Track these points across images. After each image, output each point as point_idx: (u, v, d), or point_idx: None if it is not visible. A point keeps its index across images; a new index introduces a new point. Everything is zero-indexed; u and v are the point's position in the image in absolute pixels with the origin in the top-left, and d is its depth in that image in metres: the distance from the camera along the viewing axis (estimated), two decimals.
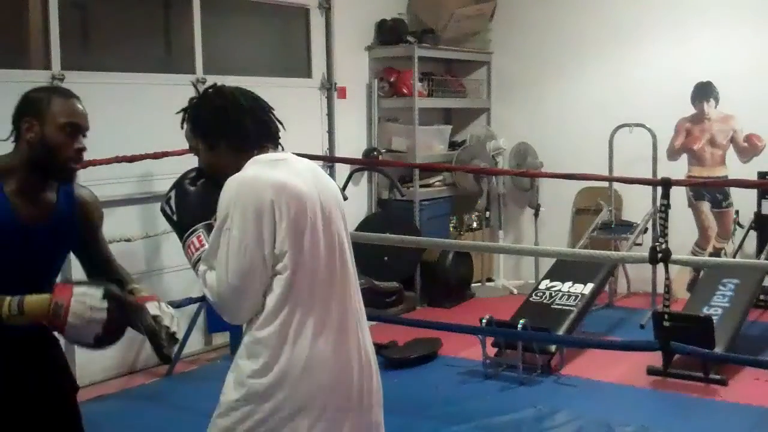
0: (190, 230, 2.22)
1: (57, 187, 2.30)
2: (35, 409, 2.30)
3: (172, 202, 2.28)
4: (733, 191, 6.46)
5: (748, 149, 6.36)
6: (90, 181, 4.83)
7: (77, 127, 2.23)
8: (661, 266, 4.21)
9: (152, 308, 2.30)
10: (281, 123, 2.35)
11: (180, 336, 2.40)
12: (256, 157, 2.16)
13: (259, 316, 2.08)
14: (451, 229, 7.39)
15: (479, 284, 7.39)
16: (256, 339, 2.07)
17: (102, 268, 2.44)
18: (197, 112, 2.28)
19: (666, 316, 4.28)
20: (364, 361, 2.19)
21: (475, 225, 7.51)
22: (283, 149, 2.28)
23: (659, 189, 4.49)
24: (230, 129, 2.19)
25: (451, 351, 5.45)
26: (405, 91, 6.95)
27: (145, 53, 5.57)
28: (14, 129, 2.23)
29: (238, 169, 2.13)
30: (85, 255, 2.46)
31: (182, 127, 2.41)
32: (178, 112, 2.41)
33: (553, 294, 5.57)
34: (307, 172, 2.18)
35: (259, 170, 2.10)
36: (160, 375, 5.15)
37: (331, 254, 2.14)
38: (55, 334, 2.23)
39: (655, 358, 4.89)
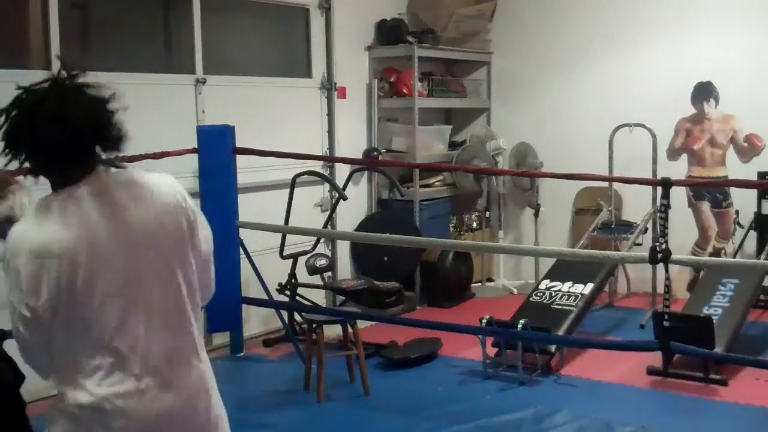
0: None
1: None
2: None
3: None
4: (733, 191, 6.46)
5: (748, 149, 6.36)
6: None
7: None
8: (661, 266, 4.21)
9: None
10: (112, 129, 1.98)
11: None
12: (37, 202, 1.92)
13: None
14: (451, 229, 7.39)
15: (479, 284, 7.39)
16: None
17: None
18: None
19: (666, 316, 4.28)
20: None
21: (475, 225, 7.51)
22: (118, 164, 1.99)
23: (659, 189, 4.48)
24: (21, 146, 1.87)
25: (451, 351, 5.45)
26: (405, 91, 6.95)
27: (145, 53, 5.57)
28: None
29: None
30: None
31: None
32: None
33: (553, 294, 5.58)
34: (107, 210, 1.90)
35: (31, 225, 1.89)
36: None
37: (138, 296, 1.92)
38: None
39: (655, 358, 4.89)
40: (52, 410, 1.94)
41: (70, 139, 1.85)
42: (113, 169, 1.98)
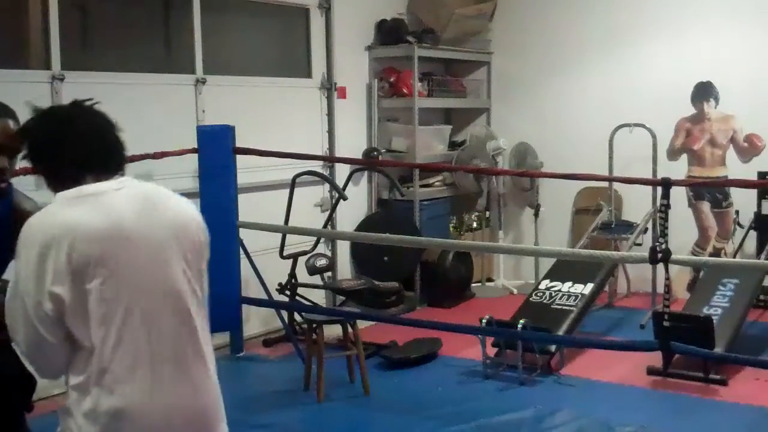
0: None
1: None
2: None
3: None
4: (733, 191, 6.46)
5: (748, 149, 6.36)
6: None
7: None
8: (661, 266, 4.21)
9: None
10: (119, 147, 2.07)
11: None
12: (61, 193, 1.95)
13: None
14: (451, 229, 7.39)
15: (479, 284, 7.39)
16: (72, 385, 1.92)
17: None
18: (28, 134, 2.04)
19: (666, 316, 4.28)
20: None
21: (475, 225, 7.51)
22: (122, 176, 2.05)
23: (659, 189, 4.48)
24: (45, 156, 1.99)
25: (451, 351, 5.45)
26: (405, 91, 6.95)
27: (145, 53, 5.57)
28: None
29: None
30: None
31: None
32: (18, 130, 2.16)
33: (553, 294, 5.58)
34: (130, 206, 1.95)
35: (54, 209, 1.92)
36: None
37: (151, 299, 1.94)
38: None
39: (655, 358, 4.89)
40: (63, 411, 1.93)
41: (104, 150, 2.01)
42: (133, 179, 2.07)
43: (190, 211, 2.10)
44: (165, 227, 1.99)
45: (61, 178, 1.96)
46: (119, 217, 1.91)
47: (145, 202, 1.99)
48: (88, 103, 2.05)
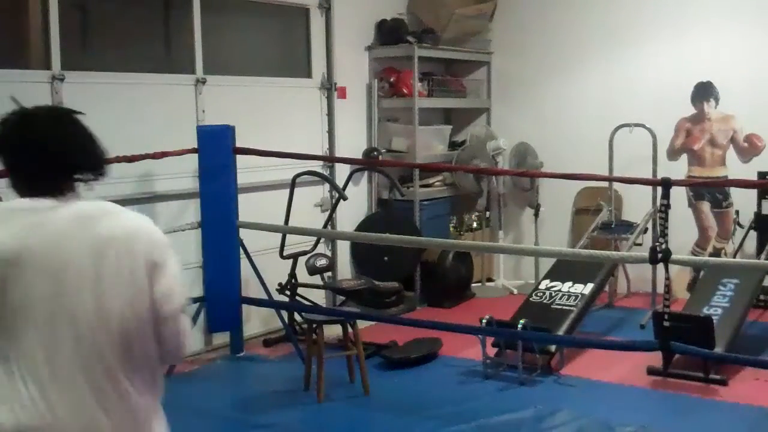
0: None
1: None
2: None
3: None
4: (733, 191, 6.46)
5: (748, 149, 6.36)
6: None
7: None
8: (661, 266, 4.21)
9: None
10: (62, 164, 1.90)
11: None
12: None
13: None
14: (451, 229, 7.39)
15: (479, 284, 7.39)
16: None
17: None
18: None
19: (666, 316, 4.28)
20: None
21: (475, 225, 7.51)
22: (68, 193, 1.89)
23: (659, 189, 4.48)
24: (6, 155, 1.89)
25: (451, 351, 5.45)
26: (405, 91, 6.95)
27: (145, 53, 5.57)
28: None
29: None
30: None
31: None
32: None
33: (553, 294, 5.58)
34: (51, 228, 1.82)
35: None
36: None
37: (48, 327, 1.80)
38: None
39: (655, 358, 4.89)
40: None
41: (37, 166, 1.87)
42: (84, 197, 1.93)
43: (130, 228, 1.89)
44: (85, 252, 1.82)
45: (12, 185, 1.90)
46: (26, 242, 1.80)
47: (71, 224, 1.84)
48: (69, 110, 1.95)
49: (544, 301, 5.54)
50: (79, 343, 1.81)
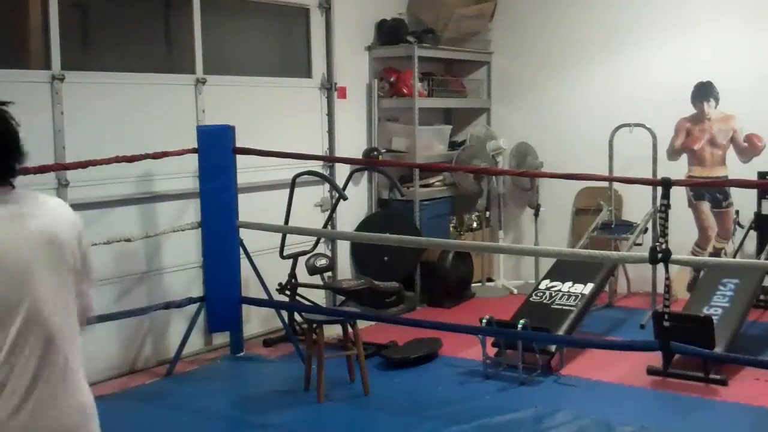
0: None
1: None
2: None
3: None
4: (733, 191, 6.47)
5: (748, 149, 6.37)
6: (90, 181, 4.86)
7: None
8: (661, 266, 4.21)
9: None
10: (17, 154, 1.93)
11: None
12: None
13: None
14: (451, 229, 7.40)
15: (479, 284, 7.39)
16: None
17: None
18: None
19: (666, 316, 4.28)
20: None
21: (475, 225, 7.52)
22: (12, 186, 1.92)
23: (659, 189, 4.48)
24: None
25: (451, 351, 5.45)
26: (405, 91, 6.95)
27: (145, 53, 5.57)
28: None
29: None
30: None
31: None
32: None
33: (553, 294, 5.58)
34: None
35: None
36: (160, 375, 5.15)
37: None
38: None
39: (655, 358, 4.89)
40: None
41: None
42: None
43: (59, 215, 1.96)
44: (28, 242, 1.86)
45: None
46: None
47: (12, 217, 1.87)
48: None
49: (544, 301, 5.54)
50: (37, 344, 1.84)
